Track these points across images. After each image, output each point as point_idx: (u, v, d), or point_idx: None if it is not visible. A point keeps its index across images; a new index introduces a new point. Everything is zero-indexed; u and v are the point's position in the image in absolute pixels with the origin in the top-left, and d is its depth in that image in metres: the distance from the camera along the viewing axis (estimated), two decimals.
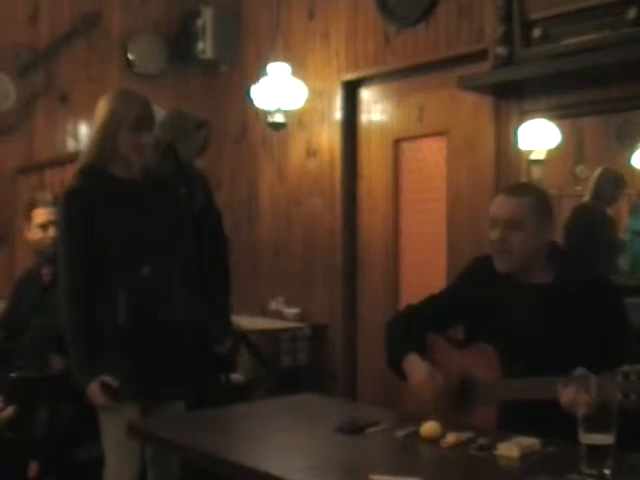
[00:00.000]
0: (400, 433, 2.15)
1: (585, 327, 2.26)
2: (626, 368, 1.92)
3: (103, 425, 2.69)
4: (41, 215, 3.37)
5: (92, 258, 2.61)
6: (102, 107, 2.70)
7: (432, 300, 2.61)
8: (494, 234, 2.39)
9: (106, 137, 2.66)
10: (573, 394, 1.97)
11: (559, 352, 2.22)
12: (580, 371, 1.96)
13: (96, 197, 2.64)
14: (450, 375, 2.41)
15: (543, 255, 2.39)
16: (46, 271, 3.34)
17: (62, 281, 2.67)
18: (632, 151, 3.47)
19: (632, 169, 3.50)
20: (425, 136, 4.43)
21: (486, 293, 2.44)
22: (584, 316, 2.27)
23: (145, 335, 2.65)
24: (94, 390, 2.59)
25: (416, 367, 2.38)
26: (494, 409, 2.29)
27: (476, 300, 2.46)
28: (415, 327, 2.51)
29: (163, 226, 2.73)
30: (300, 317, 4.88)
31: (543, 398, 2.10)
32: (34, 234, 3.38)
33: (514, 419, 2.20)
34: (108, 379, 2.59)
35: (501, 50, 3.67)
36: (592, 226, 3.68)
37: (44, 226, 3.35)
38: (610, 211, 3.60)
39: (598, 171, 3.61)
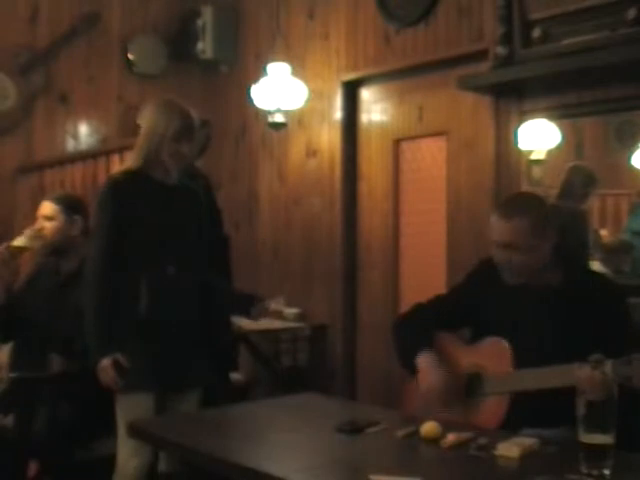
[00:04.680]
0: (400, 433, 2.15)
1: (592, 328, 2.26)
2: (633, 356, 1.96)
3: (118, 412, 2.80)
4: (42, 207, 3.39)
5: (122, 248, 2.79)
6: (146, 117, 2.90)
7: (439, 301, 2.62)
8: (497, 254, 2.41)
9: (149, 146, 2.85)
10: (589, 372, 1.97)
11: (567, 353, 2.23)
12: (596, 356, 1.96)
13: (134, 192, 2.84)
14: (458, 370, 2.42)
15: (547, 259, 2.39)
16: (66, 267, 3.32)
17: (91, 264, 2.83)
18: (632, 151, 3.47)
19: (632, 169, 3.50)
20: (425, 136, 4.43)
21: (493, 295, 2.46)
22: (591, 317, 2.28)
23: (163, 329, 2.80)
24: (106, 365, 2.72)
25: (429, 371, 2.39)
26: (503, 402, 2.29)
27: (483, 302, 2.47)
28: (424, 326, 2.52)
29: (190, 229, 2.94)
30: (300, 317, 4.88)
31: (557, 385, 2.10)
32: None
33: (521, 411, 2.20)
34: (121, 358, 2.73)
35: (501, 50, 3.67)
36: (562, 226, 3.60)
37: (40, 217, 3.37)
38: (582, 209, 3.57)
39: (567, 168, 3.60)
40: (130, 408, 2.74)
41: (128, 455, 2.75)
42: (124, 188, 2.84)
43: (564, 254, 2.44)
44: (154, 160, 2.86)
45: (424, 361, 2.41)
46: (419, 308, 2.62)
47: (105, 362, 2.72)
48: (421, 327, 2.51)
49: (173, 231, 2.88)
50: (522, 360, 2.27)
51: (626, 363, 1.94)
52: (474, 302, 2.50)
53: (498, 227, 2.39)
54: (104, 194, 2.87)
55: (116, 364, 2.72)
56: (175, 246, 2.87)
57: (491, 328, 2.40)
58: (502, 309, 2.42)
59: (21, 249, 3.27)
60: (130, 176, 2.86)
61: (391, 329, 2.64)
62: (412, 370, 2.45)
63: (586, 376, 1.99)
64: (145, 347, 2.77)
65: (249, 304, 3.15)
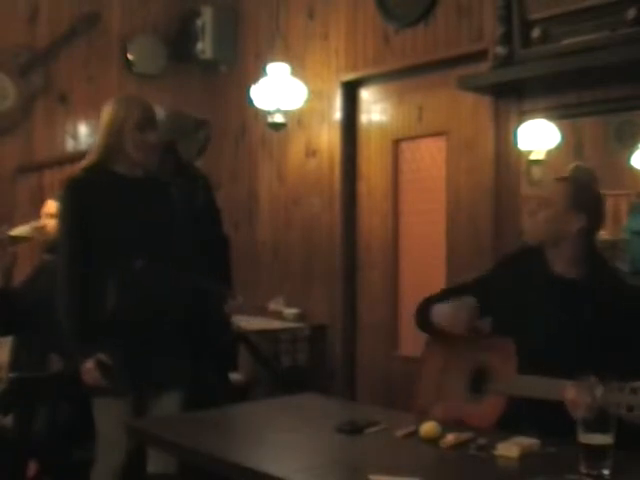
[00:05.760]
0: (399, 433, 2.15)
1: (609, 326, 2.27)
2: (636, 384, 1.92)
3: (94, 414, 2.79)
4: (46, 205, 3.47)
5: (88, 246, 2.75)
6: (106, 112, 2.86)
7: (463, 289, 2.64)
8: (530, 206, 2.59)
9: (111, 138, 2.81)
10: (576, 393, 1.99)
11: (581, 349, 2.23)
12: (588, 378, 1.98)
13: (96, 189, 2.79)
14: (466, 363, 2.43)
15: (574, 245, 2.41)
16: None
17: (59, 264, 2.81)
18: (632, 151, 3.47)
19: (632, 169, 3.50)
20: (425, 136, 4.42)
21: (514, 289, 2.48)
22: (610, 315, 2.28)
23: (133, 327, 2.75)
24: (90, 367, 2.67)
25: (443, 308, 2.47)
26: (500, 403, 2.30)
27: (505, 295, 2.49)
28: (443, 296, 2.56)
29: (158, 223, 2.86)
30: (299, 317, 4.87)
31: (549, 399, 2.11)
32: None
33: (516, 416, 2.21)
34: (104, 357, 2.68)
35: (501, 50, 3.67)
36: None
37: (44, 215, 3.46)
38: None
39: (570, 168, 3.60)
40: (105, 411, 2.74)
41: (103, 454, 2.78)
42: (83, 186, 2.80)
43: (594, 250, 2.47)
44: (117, 153, 2.81)
45: (438, 309, 2.48)
46: (444, 291, 2.66)
47: (88, 364, 2.68)
48: (440, 296, 2.57)
49: (139, 225, 2.81)
50: (535, 352, 2.28)
51: (618, 389, 1.93)
52: (496, 294, 2.51)
53: (549, 183, 2.60)
54: (63, 195, 2.85)
55: (99, 364, 2.68)
56: (142, 240, 2.80)
57: (510, 319, 2.42)
58: (522, 293, 2.44)
59: (21, 238, 3.32)
60: (89, 172, 2.82)
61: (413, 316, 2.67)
62: (426, 327, 2.54)
63: (573, 397, 2.01)
64: (117, 346, 2.71)
65: (222, 301, 3.14)
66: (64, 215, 2.83)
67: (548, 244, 2.45)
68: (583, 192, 2.47)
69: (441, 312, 2.48)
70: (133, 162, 2.83)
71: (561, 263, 2.43)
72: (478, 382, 2.41)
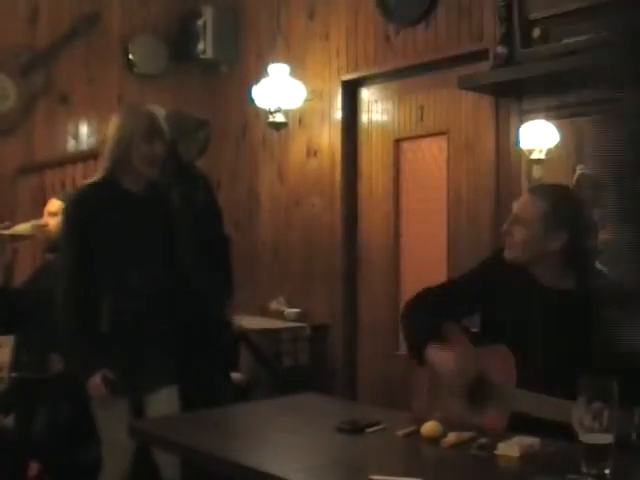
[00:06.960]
0: (400, 433, 2.15)
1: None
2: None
3: (97, 421, 2.80)
4: (49, 204, 3.49)
5: (89, 260, 2.74)
6: (112, 125, 2.83)
7: (448, 287, 2.60)
8: (506, 226, 2.45)
9: (118, 151, 2.77)
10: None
11: (573, 359, 2.21)
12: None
13: (99, 205, 2.77)
14: (464, 371, 2.39)
15: (559, 260, 2.37)
16: None
17: (60, 279, 2.79)
18: None
19: None
20: (425, 136, 4.43)
21: (502, 287, 2.43)
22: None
23: (130, 337, 2.75)
24: (97, 382, 2.68)
25: (443, 358, 2.35)
26: (504, 416, 2.26)
27: (492, 293, 2.44)
28: (433, 315, 2.48)
29: (160, 236, 2.86)
30: (300, 317, 4.88)
31: (553, 418, 2.07)
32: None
33: (522, 427, 2.18)
34: (109, 373, 2.68)
35: (501, 50, 3.67)
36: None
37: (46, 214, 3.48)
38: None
39: (576, 176, 3.59)
40: (105, 410, 2.75)
41: (108, 457, 2.78)
42: (85, 201, 2.79)
43: (582, 259, 2.41)
44: (125, 166, 2.78)
45: (435, 353, 2.37)
46: (427, 294, 2.57)
47: (96, 379, 2.68)
48: (430, 317, 2.47)
49: (140, 239, 2.80)
50: (527, 363, 2.25)
51: (628, 416, 1.88)
52: (483, 292, 2.47)
53: (520, 199, 2.48)
54: (66, 210, 2.86)
55: (105, 379, 2.68)
56: (143, 256, 2.80)
57: (500, 323, 2.39)
58: (510, 303, 2.39)
59: (22, 236, 3.33)
60: (95, 188, 2.80)
61: (400, 317, 2.59)
62: (419, 360, 2.42)
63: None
64: (115, 348, 2.73)
65: (224, 302, 3.13)
66: (66, 230, 2.82)
67: (530, 263, 2.39)
68: (560, 208, 2.37)
69: (442, 362, 2.36)
70: (140, 175, 2.80)
71: (548, 277, 2.37)
72: (476, 393, 2.37)
